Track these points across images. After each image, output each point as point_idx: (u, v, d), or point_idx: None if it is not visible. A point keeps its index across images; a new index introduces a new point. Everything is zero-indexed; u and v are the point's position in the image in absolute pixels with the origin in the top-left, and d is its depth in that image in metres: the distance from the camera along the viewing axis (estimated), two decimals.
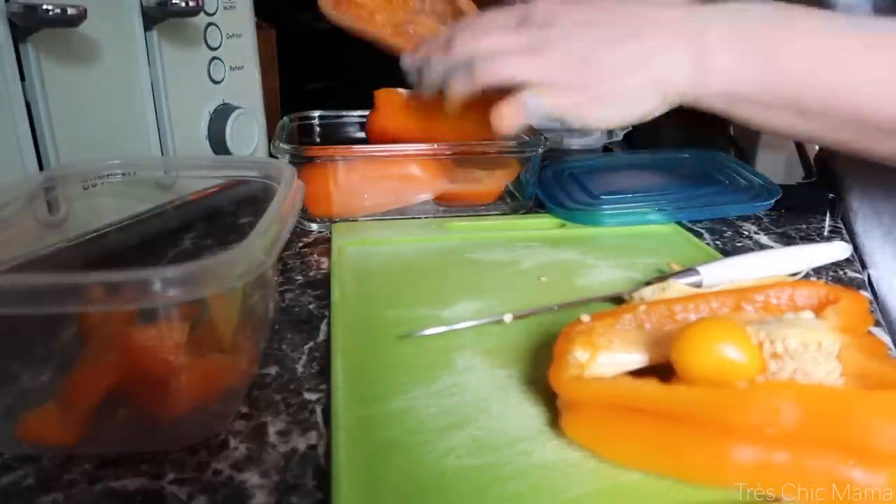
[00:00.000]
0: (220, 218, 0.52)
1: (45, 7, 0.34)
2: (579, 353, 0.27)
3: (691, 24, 0.38)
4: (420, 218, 0.51)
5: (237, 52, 0.51)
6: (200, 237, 0.48)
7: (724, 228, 0.51)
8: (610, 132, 0.77)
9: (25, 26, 0.35)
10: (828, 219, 0.54)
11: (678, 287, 0.35)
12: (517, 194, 0.54)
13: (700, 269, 0.38)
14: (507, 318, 0.35)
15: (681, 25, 0.39)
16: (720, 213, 0.53)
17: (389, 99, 0.51)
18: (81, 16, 0.35)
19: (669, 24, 0.39)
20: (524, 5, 0.40)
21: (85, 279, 0.22)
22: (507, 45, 0.40)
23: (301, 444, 0.27)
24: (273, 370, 0.32)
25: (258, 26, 0.54)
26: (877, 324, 0.37)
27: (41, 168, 0.37)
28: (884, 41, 0.37)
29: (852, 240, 0.54)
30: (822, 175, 0.61)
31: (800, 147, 0.70)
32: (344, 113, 0.61)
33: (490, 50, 0.40)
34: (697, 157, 0.61)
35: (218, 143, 0.49)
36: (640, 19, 0.39)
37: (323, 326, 0.36)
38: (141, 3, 0.42)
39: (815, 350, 0.26)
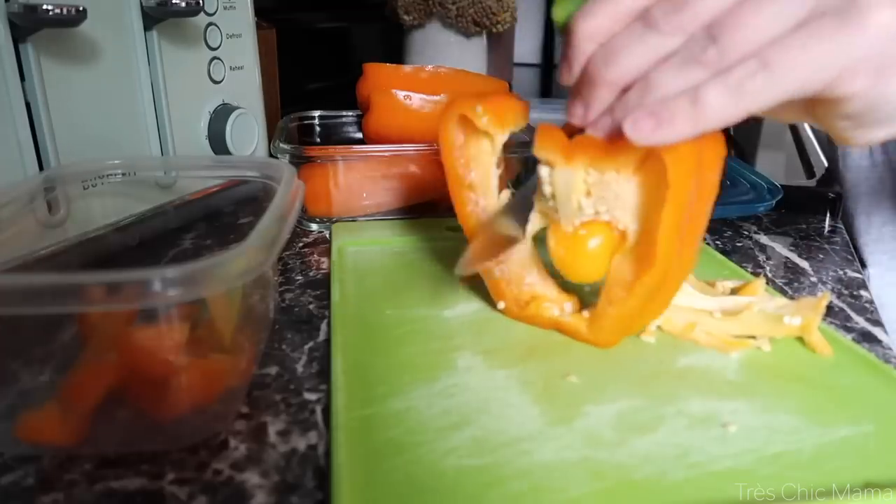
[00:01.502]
0: (220, 218, 0.52)
1: (45, 7, 0.34)
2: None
3: None
4: (420, 218, 0.51)
5: (237, 52, 0.51)
6: (200, 237, 0.48)
7: (725, 228, 0.51)
8: None
9: (25, 26, 0.35)
10: (828, 219, 0.54)
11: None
12: (516, 192, 0.54)
13: None
14: (501, 305, 0.36)
15: None
16: (721, 213, 0.53)
17: (385, 101, 0.51)
18: (81, 16, 0.35)
19: None
20: None
21: (85, 279, 0.22)
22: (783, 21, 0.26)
23: (301, 444, 0.27)
24: (273, 370, 0.32)
25: (258, 26, 0.54)
26: (875, 323, 0.37)
27: (41, 168, 0.37)
28: None
29: (852, 239, 0.54)
30: (826, 175, 0.61)
31: (800, 147, 0.70)
32: (344, 113, 0.61)
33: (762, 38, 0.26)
34: None
35: (218, 143, 0.49)
36: None
37: (323, 326, 0.36)
38: (141, 3, 0.42)
39: (614, 174, 0.30)
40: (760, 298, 0.34)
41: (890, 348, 0.34)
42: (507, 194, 0.37)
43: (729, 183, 0.56)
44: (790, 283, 0.42)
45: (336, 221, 0.50)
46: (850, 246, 0.49)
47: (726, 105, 0.25)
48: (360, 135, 0.59)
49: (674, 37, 0.27)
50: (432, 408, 0.28)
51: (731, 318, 0.33)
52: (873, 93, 0.26)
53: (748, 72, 0.25)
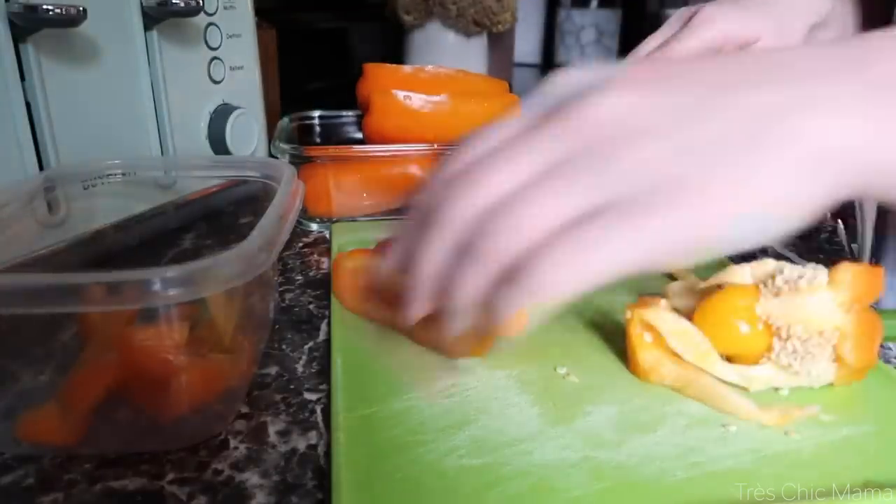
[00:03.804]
0: (220, 218, 0.52)
1: (45, 7, 0.34)
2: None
3: (838, 58, 0.24)
4: None
5: (237, 52, 0.51)
6: (200, 237, 0.48)
7: None
8: None
9: (25, 26, 0.35)
10: (828, 217, 0.54)
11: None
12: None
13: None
14: None
15: (822, 62, 0.24)
16: None
17: (385, 102, 0.51)
18: (81, 16, 0.35)
19: (803, 62, 0.24)
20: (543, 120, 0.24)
21: (85, 279, 0.22)
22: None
23: (301, 444, 0.27)
24: (273, 370, 0.32)
25: (258, 26, 0.54)
26: None
27: (41, 168, 0.37)
28: None
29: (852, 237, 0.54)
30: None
31: None
32: (344, 113, 0.61)
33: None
34: None
35: (218, 143, 0.49)
36: (754, 66, 0.24)
37: (323, 326, 0.36)
38: (141, 3, 0.42)
39: (817, 337, 0.28)
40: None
41: (890, 348, 0.34)
42: None
43: None
44: None
45: (336, 221, 0.50)
46: (848, 246, 0.49)
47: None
48: (360, 135, 0.59)
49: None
50: (432, 408, 0.28)
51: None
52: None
53: (542, 264, 0.21)
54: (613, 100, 0.23)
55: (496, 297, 0.22)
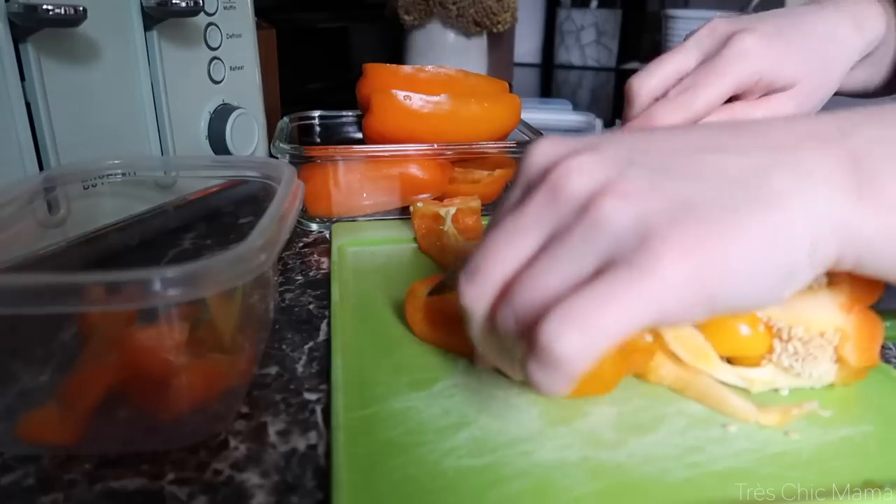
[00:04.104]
0: (220, 218, 0.52)
1: (45, 7, 0.34)
2: None
3: (821, 132, 0.24)
4: None
5: (237, 52, 0.51)
6: (200, 237, 0.48)
7: None
8: (610, 131, 0.77)
9: (25, 26, 0.35)
10: None
11: None
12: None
13: None
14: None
15: (803, 134, 0.24)
16: None
17: (385, 102, 0.51)
18: (81, 16, 0.35)
19: (786, 132, 0.24)
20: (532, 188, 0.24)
21: (85, 279, 0.22)
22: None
23: (301, 444, 0.27)
24: (273, 370, 0.32)
25: (258, 26, 0.54)
26: None
27: (41, 168, 0.37)
28: None
29: None
30: None
31: None
32: (344, 113, 0.61)
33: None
34: None
35: (218, 143, 0.49)
36: (736, 134, 0.24)
37: (323, 326, 0.36)
38: (141, 3, 0.42)
39: (818, 338, 0.28)
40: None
41: (890, 348, 0.34)
42: None
43: None
44: None
45: (336, 221, 0.50)
46: None
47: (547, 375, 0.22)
48: (360, 135, 0.59)
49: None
50: (432, 408, 0.28)
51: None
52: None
53: (553, 333, 0.21)
54: (588, 165, 0.23)
55: (526, 367, 0.22)
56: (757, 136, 0.24)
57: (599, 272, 0.22)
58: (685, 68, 0.44)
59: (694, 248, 0.21)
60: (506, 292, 0.23)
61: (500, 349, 0.25)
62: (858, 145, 0.23)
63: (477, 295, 0.24)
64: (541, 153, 0.25)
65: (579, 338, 0.20)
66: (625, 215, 0.21)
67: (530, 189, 0.24)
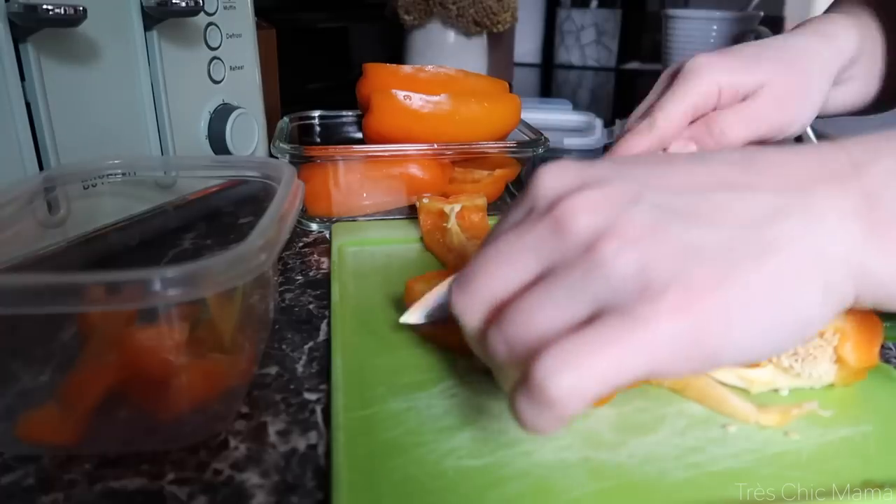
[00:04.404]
0: (220, 218, 0.52)
1: (45, 7, 0.34)
2: None
3: (834, 167, 0.23)
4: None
5: (237, 52, 0.51)
6: (200, 237, 0.48)
7: None
8: (610, 132, 0.77)
9: (25, 26, 0.35)
10: None
11: None
12: (517, 194, 0.54)
13: None
14: None
15: (818, 165, 0.23)
16: None
17: (385, 102, 0.51)
18: (81, 16, 0.35)
19: (798, 166, 0.23)
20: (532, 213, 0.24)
21: (85, 279, 0.22)
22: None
23: (301, 444, 0.27)
24: (273, 370, 0.32)
25: (258, 26, 0.54)
26: None
27: (41, 168, 0.37)
28: None
29: None
30: None
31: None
32: (344, 113, 0.61)
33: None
34: None
35: (218, 143, 0.49)
36: (748, 167, 0.23)
37: (323, 326, 0.36)
38: (141, 3, 0.42)
39: (818, 339, 0.28)
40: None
41: (890, 348, 0.34)
42: None
43: None
44: None
45: (336, 221, 0.50)
46: None
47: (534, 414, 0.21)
48: (360, 135, 0.59)
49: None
50: (432, 408, 0.28)
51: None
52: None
53: (546, 373, 0.21)
54: (595, 203, 0.22)
55: (514, 402, 0.22)
56: (769, 171, 0.23)
57: (597, 314, 0.21)
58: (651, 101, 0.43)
59: (693, 302, 0.20)
60: (498, 313, 0.23)
61: (491, 363, 0.25)
62: (873, 182, 0.22)
63: (468, 305, 0.24)
64: (550, 180, 0.24)
65: (574, 380, 0.20)
66: (626, 261, 0.21)
67: (534, 214, 0.24)
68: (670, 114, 0.40)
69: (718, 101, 0.41)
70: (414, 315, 0.32)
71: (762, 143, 0.41)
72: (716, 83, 0.40)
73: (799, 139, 0.70)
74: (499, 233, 0.25)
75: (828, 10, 0.49)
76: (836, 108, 0.49)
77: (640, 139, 0.40)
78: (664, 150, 0.40)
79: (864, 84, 0.48)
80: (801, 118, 0.42)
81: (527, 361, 0.21)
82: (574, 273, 0.22)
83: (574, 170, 0.24)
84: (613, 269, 0.21)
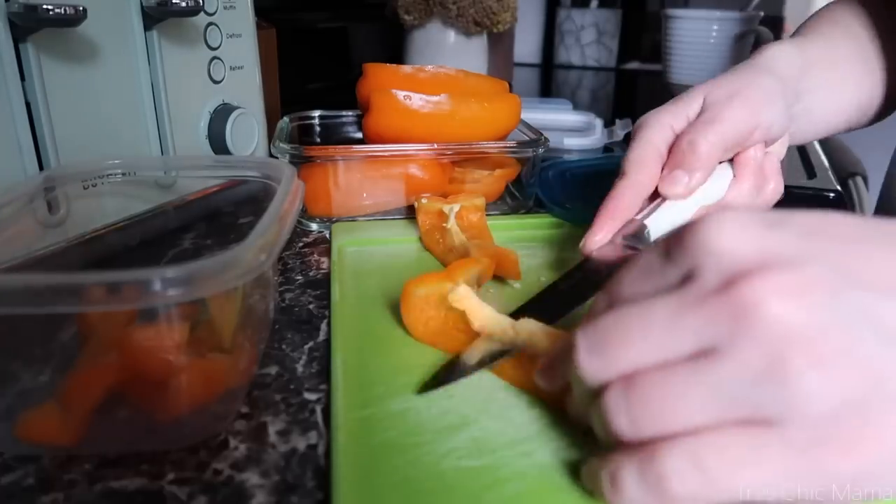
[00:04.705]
0: (220, 218, 0.52)
1: (45, 7, 0.34)
2: None
3: None
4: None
5: (237, 52, 0.51)
6: (200, 237, 0.48)
7: None
8: (610, 132, 0.77)
9: (25, 26, 0.35)
10: None
11: None
12: (517, 194, 0.55)
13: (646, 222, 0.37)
14: None
15: None
16: None
17: (385, 102, 0.51)
18: (81, 16, 0.35)
19: None
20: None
21: (85, 279, 0.22)
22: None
23: (301, 444, 0.27)
24: (273, 370, 0.32)
25: (258, 26, 0.54)
26: None
27: (41, 168, 0.37)
28: None
29: None
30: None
31: (800, 146, 0.70)
32: (344, 113, 0.61)
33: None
34: None
35: (218, 143, 0.49)
36: None
37: (323, 326, 0.36)
38: (141, 3, 0.42)
39: None
40: None
41: None
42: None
43: None
44: None
45: (336, 221, 0.50)
46: None
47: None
48: (360, 135, 0.59)
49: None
50: (431, 408, 0.28)
51: None
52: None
53: (673, 467, 0.19)
54: (790, 291, 0.19)
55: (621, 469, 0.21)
56: None
57: (750, 421, 0.19)
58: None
59: (870, 448, 0.18)
60: (627, 382, 0.21)
61: (597, 425, 0.23)
62: None
63: (599, 371, 0.22)
64: (728, 241, 0.20)
65: (699, 486, 0.19)
66: (810, 386, 0.18)
67: (701, 284, 0.20)
68: (633, 162, 0.37)
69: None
70: (433, 385, 0.30)
71: (735, 155, 0.39)
72: (667, 124, 0.38)
73: (803, 151, 0.70)
74: (639, 290, 0.22)
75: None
76: (827, 124, 0.47)
77: (622, 191, 0.37)
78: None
79: (831, 92, 0.46)
80: (767, 117, 0.38)
81: (654, 445, 0.20)
82: (742, 373, 0.19)
83: (756, 230, 0.20)
84: (791, 387, 0.18)
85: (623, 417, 0.21)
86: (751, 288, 0.19)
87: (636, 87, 1.36)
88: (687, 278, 0.21)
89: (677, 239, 0.22)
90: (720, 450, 0.19)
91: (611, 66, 1.50)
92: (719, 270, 0.20)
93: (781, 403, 0.19)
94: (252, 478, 0.25)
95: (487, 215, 0.50)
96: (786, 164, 0.66)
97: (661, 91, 1.08)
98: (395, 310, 0.37)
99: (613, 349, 0.21)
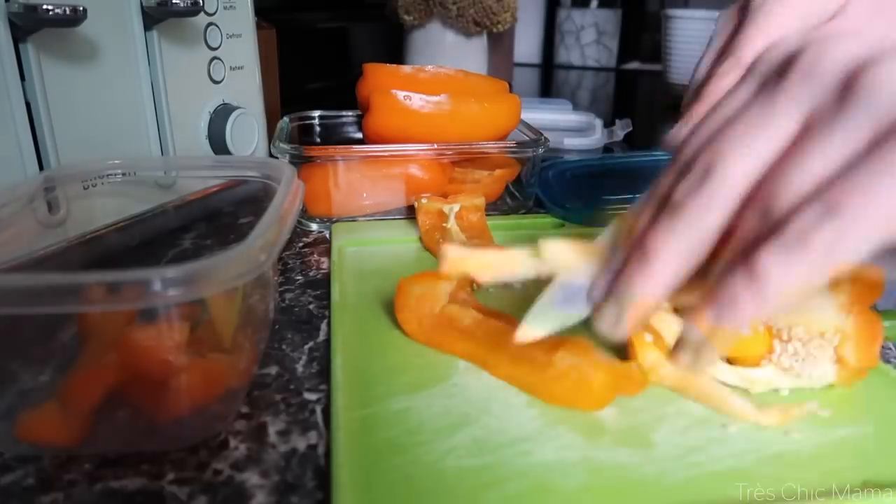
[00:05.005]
0: (220, 218, 0.52)
1: (45, 7, 0.34)
2: None
3: None
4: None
5: (237, 52, 0.51)
6: (200, 237, 0.48)
7: None
8: (610, 132, 0.77)
9: (25, 26, 0.35)
10: None
11: None
12: (517, 194, 0.55)
13: None
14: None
15: None
16: None
17: (385, 102, 0.51)
18: (81, 16, 0.35)
19: None
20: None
21: (85, 279, 0.22)
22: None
23: (301, 444, 0.27)
24: (273, 370, 0.32)
25: (258, 26, 0.54)
26: None
27: (41, 168, 0.37)
28: None
29: None
30: None
31: None
32: (344, 113, 0.61)
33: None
34: None
35: (218, 143, 0.49)
36: None
37: (323, 326, 0.36)
38: (141, 3, 0.42)
39: (818, 339, 0.28)
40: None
41: (890, 348, 0.34)
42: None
43: None
44: None
45: (336, 221, 0.50)
46: None
47: (789, 272, 0.19)
48: (360, 135, 0.59)
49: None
50: (432, 408, 0.28)
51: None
52: None
53: (809, 222, 0.19)
54: (849, 37, 0.20)
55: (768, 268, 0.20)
56: None
57: (876, 144, 0.19)
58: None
59: None
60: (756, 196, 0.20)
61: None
62: None
63: (716, 205, 0.21)
64: (784, 41, 0.21)
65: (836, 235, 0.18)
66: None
67: (769, 77, 0.21)
68: (757, 46, 0.33)
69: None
70: (535, 326, 0.28)
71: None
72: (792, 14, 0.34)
73: None
74: (719, 113, 0.22)
75: None
76: None
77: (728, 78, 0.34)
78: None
79: None
80: None
81: (789, 214, 0.19)
82: (848, 108, 0.19)
83: (796, 34, 0.22)
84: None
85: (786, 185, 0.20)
86: (814, 46, 0.20)
87: (636, 88, 1.36)
88: (761, 86, 0.21)
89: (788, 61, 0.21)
90: (862, 178, 0.19)
91: (611, 67, 1.50)
92: (776, 61, 0.21)
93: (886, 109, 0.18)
94: (252, 478, 0.25)
95: (487, 215, 0.50)
96: None
97: (661, 91, 1.08)
98: (395, 310, 0.37)
99: (728, 167, 0.21)
